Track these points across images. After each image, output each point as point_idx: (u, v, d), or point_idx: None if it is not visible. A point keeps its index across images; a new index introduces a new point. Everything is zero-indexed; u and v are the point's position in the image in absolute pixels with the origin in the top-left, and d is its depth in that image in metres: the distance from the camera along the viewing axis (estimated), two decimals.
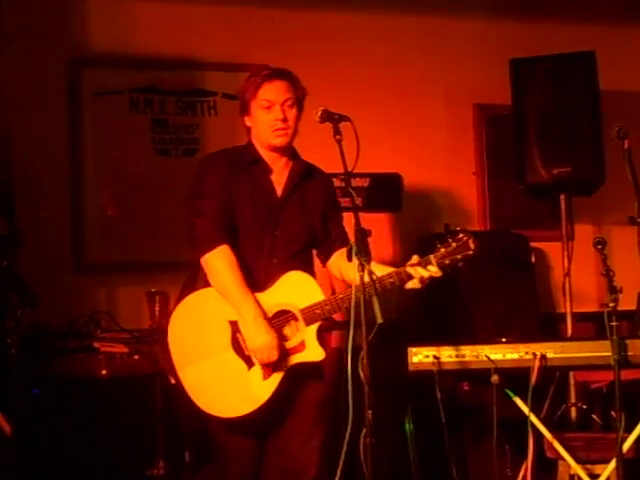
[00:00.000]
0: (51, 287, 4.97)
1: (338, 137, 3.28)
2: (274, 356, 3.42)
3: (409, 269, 3.44)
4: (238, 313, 3.46)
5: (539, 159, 5.26)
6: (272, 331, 3.44)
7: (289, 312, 3.50)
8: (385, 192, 5.31)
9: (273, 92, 3.56)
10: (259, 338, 3.41)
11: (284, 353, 3.45)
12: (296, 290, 3.51)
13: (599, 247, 3.68)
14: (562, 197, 5.35)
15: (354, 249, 3.10)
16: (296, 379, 3.51)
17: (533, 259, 5.66)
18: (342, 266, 3.61)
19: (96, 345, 4.60)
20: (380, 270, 3.46)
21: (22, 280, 4.35)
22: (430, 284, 3.48)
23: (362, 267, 3.08)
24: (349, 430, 3.06)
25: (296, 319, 3.49)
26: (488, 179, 6.09)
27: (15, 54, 5.27)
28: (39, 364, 4.40)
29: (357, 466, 3.01)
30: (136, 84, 5.54)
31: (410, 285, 3.48)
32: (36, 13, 5.36)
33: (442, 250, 3.46)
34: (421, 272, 3.43)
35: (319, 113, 3.40)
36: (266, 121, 3.56)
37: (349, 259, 3.14)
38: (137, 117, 5.55)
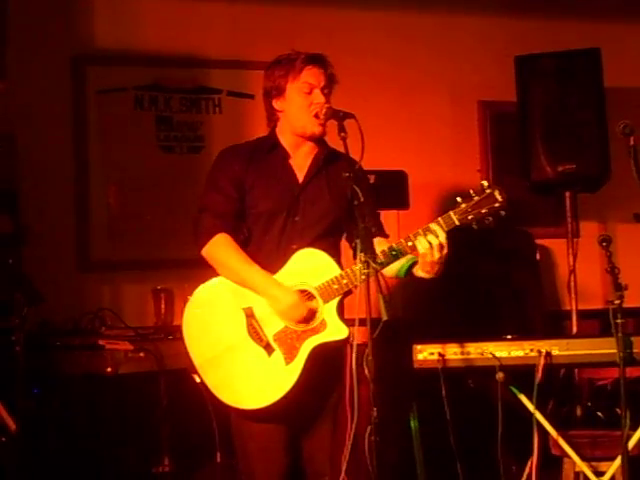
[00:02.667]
0: (56, 285, 4.98)
1: (343, 134, 3.25)
2: (304, 312, 3.33)
3: (415, 240, 3.27)
4: (253, 288, 3.39)
5: (544, 156, 5.25)
6: (292, 290, 3.35)
7: (305, 291, 3.39)
8: (390, 189, 5.30)
9: (316, 75, 3.48)
10: (283, 300, 3.34)
11: (304, 334, 3.34)
12: (310, 267, 3.39)
13: (604, 244, 3.67)
14: (567, 194, 5.35)
15: (359, 246, 3.07)
16: (320, 369, 3.38)
17: (538, 256, 5.66)
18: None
19: (101, 343, 4.60)
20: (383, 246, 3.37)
21: (27, 278, 4.35)
22: (442, 270, 3.29)
23: (367, 265, 3.05)
24: (354, 427, 3.06)
25: (313, 298, 3.37)
26: (493, 176, 6.08)
27: (20, 52, 5.27)
28: (44, 362, 4.41)
29: (362, 463, 3.01)
30: (141, 82, 5.55)
31: (420, 272, 3.34)
32: (41, 11, 5.36)
33: (463, 205, 3.28)
34: (425, 243, 3.25)
35: (324, 110, 3.40)
36: (305, 105, 3.46)
37: (354, 257, 3.12)
38: (142, 115, 5.55)
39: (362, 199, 3.15)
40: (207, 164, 5.20)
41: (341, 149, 3.28)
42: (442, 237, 3.26)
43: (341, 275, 3.36)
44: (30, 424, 4.09)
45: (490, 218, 3.28)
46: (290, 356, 3.35)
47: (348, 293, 3.40)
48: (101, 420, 4.50)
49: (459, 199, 3.29)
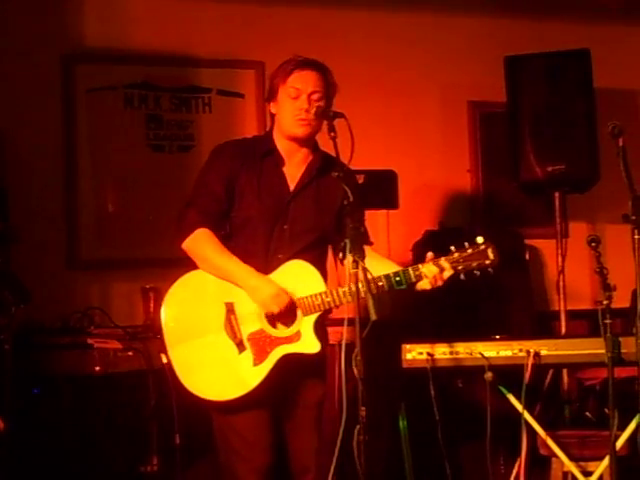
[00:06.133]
0: (45, 283, 4.97)
1: (333, 134, 3.26)
2: (285, 301, 3.37)
3: (422, 267, 3.36)
4: (234, 280, 3.42)
5: (533, 156, 5.26)
6: (270, 280, 3.39)
7: None
8: (380, 189, 5.30)
9: (303, 80, 3.49)
10: (264, 290, 3.37)
11: (277, 340, 3.39)
12: (296, 278, 3.43)
13: (593, 245, 3.68)
14: (556, 195, 5.35)
15: (348, 246, 3.08)
16: (293, 372, 3.45)
17: (527, 256, 5.66)
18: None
19: (90, 341, 4.59)
20: (388, 267, 3.44)
21: (15, 276, 4.33)
22: (441, 287, 3.38)
23: (356, 264, 3.05)
24: (343, 427, 3.06)
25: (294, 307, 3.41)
26: (482, 176, 6.09)
27: (9, 50, 5.26)
28: (32, 361, 4.39)
29: (351, 463, 3.01)
30: (130, 80, 5.54)
31: (421, 286, 3.40)
32: (30, 9, 5.35)
33: (456, 255, 3.38)
34: (434, 269, 3.34)
35: (314, 110, 3.41)
36: (290, 109, 3.49)
37: (343, 256, 3.13)
38: (131, 113, 5.54)
39: (351, 199, 3.16)
40: (197, 163, 5.21)
41: (331, 148, 3.28)
42: (436, 271, 3.35)
43: (325, 293, 3.41)
44: (19, 423, 4.08)
45: (478, 273, 3.38)
46: (259, 358, 3.40)
47: (328, 311, 3.46)
48: (89, 419, 4.49)
49: (452, 248, 3.38)
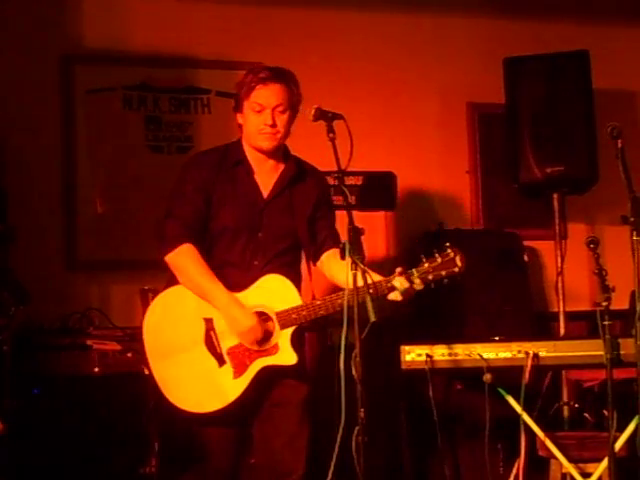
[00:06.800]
0: (44, 284, 4.96)
1: (331, 135, 3.26)
2: (259, 335, 3.44)
3: (394, 281, 3.41)
4: (213, 304, 3.47)
5: (532, 158, 5.27)
6: (251, 313, 3.45)
7: (265, 314, 3.50)
8: (379, 190, 5.30)
9: (266, 96, 3.53)
10: (242, 321, 3.43)
11: (255, 354, 3.46)
12: (274, 293, 3.51)
13: (592, 246, 3.68)
14: (555, 196, 5.36)
15: (347, 247, 3.09)
16: (272, 379, 3.52)
17: (526, 258, 5.66)
18: (332, 267, 3.59)
19: (89, 343, 4.59)
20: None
21: (14, 277, 4.33)
22: (413, 297, 3.44)
23: (355, 265, 3.06)
24: (341, 428, 3.06)
25: (271, 321, 3.49)
26: (481, 178, 6.09)
27: (7, 51, 5.26)
28: (31, 362, 4.39)
29: (349, 465, 3.01)
30: (130, 81, 5.54)
31: (392, 297, 3.46)
32: (29, 9, 5.35)
33: (426, 265, 3.45)
34: (405, 283, 3.39)
35: (312, 111, 3.39)
36: (255, 124, 3.55)
37: (342, 257, 3.13)
38: (130, 114, 5.54)
39: (350, 199, 3.20)
40: None
41: (330, 150, 3.27)
42: (406, 284, 3.40)
43: (301, 307, 3.47)
44: (18, 424, 4.08)
45: (447, 281, 3.45)
46: (239, 371, 3.47)
47: (305, 324, 3.52)
48: (88, 420, 4.49)
49: (423, 258, 3.45)
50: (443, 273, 3.43)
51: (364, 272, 3.07)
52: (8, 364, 4.01)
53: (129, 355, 4.57)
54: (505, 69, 5.39)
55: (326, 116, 3.33)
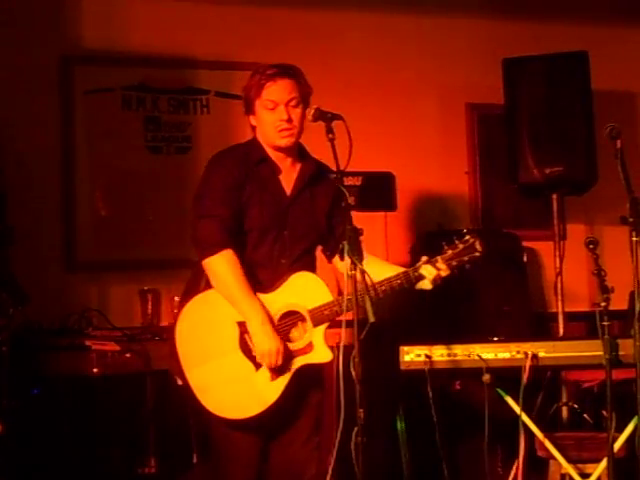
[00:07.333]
0: (43, 285, 4.97)
1: (331, 136, 3.25)
2: (279, 361, 3.38)
3: (421, 269, 3.46)
4: (244, 318, 3.42)
5: (531, 158, 5.27)
6: (277, 337, 3.40)
7: (297, 313, 3.46)
8: (378, 191, 5.30)
9: (277, 92, 3.50)
10: (265, 344, 3.37)
11: (290, 356, 3.42)
12: (305, 291, 3.48)
13: (591, 247, 3.68)
14: (554, 196, 5.36)
15: (346, 248, 3.09)
16: (302, 382, 3.48)
17: (525, 258, 5.66)
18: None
19: (88, 343, 4.59)
20: (388, 270, 3.50)
21: (13, 278, 4.34)
22: (441, 284, 3.50)
23: (354, 266, 3.06)
24: (340, 429, 3.06)
25: (304, 320, 3.45)
26: (480, 178, 6.10)
27: (6, 51, 5.26)
28: (30, 362, 4.39)
29: (349, 465, 3.01)
30: (128, 82, 5.54)
31: (420, 285, 3.49)
32: (28, 10, 5.35)
33: (449, 252, 3.50)
34: (433, 271, 3.45)
35: (312, 112, 3.39)
36: (271, 121, 3.50)
37: (341, 258, 3.13)
38: (129, 115, 5.54)
39: (349, 200, 3.19)
40: (195, 165, 5.23)
41: (329, 150, 3.27)
42: (435, 272, 3.48)
43: (332, 303, 3.44)
44: (17, 425, 4.08)
45: (469, 265, 3.54)
46: (275, 373, 3.41)
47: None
48: (87, 421, 4.49)
49: (445, 246, 3.52)
50: (465, 258, 3.51)
51: (363, 272, 3.08)
52: (7, 364, 4.01)
53: (128, 356, 4.57)
54: (504, 70, 5.39)
55: (325, 117, 3.32)
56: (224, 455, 3.56)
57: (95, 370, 4.52)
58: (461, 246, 3.51)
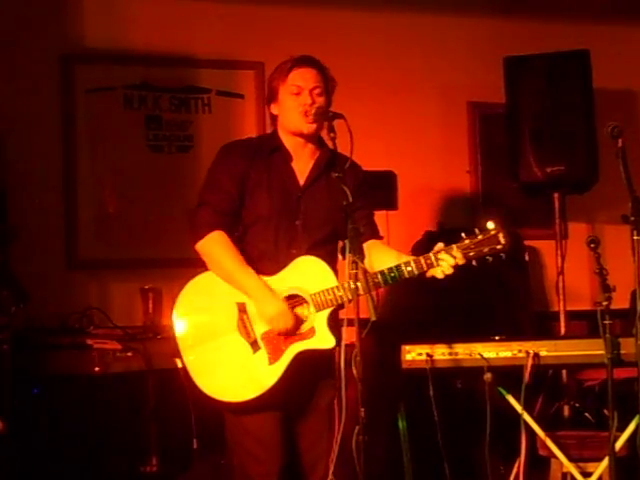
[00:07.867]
0: (44, 283, 4.97)
1: (332, 134, 3.26)
2: (290, 322, 3.33)
3: (432, 257, 3.33)
4: (243, 290, 3.38)
5: (533, 157, 5.26)
6: (279, 297, 3.36)
7: (299, 296, 3.40)
8: (380, 190, 5.29)
9: (302, 78, 3.48)
10: (270, 307, 3.34)
11: (292, 339, 3.35)
12: (308, 274, 3.40)
13: (592, 246, 3.68)
14: (556, 195, 5.36)
15: (347, 247, 3.08)
16: (307, 373, 3.41)
17: (527, 257, 5.66)
18: (372, 258, 3.46)
19: (89, 342, 4.59)
20: (397, 258, 3.41)
21: (14, 276, 4.34)
22: (452, 275, 3.35)
23: (356, 265, 3.05)
24: (341, 427, 3.06)
25: (306, 303, 3.39)
26: (482, 177, 6.10)
27: (8, 50, 5.26)
28: (31, 361, 4.39)
29: (350, 463, 3.01)
30: (130, 81, 5.54)
31: (432, 272, 3.36)
32: (29, 9, 5.35)
33: (467, 241, 3.35)
34: (448, 259, 3.32)
35: (313, 110, 3.40)
36: (294, 106, 3.47)
37: (342, 257, 3.13)
38: (131, 114, 5.54)
39: (350, 200, 3.16)
40: (196, 164, 5.24)
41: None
42: (450, 260, 3.34)
43: (337, 287, 3.37)
44: (19, 423, 4.08)
45: (490, 258, 3.36)
46: (274, 357, 3.36)
47: (341, 306, 3.39)
48: (89, 419, 4.49)
49: (463, 235, 3.36)
50: (485, 250, 3.34)
51: (365, 272, 3.07)
52: (8, 363, 4.01)
53: (129, 354, 4.57)
54: (506, 68, 5.38)
55: (327, 115, 3.33)
56: (244, 445, 3.47)
57: (96, 369, 4.52)
58: (481, 237, 3.34)
